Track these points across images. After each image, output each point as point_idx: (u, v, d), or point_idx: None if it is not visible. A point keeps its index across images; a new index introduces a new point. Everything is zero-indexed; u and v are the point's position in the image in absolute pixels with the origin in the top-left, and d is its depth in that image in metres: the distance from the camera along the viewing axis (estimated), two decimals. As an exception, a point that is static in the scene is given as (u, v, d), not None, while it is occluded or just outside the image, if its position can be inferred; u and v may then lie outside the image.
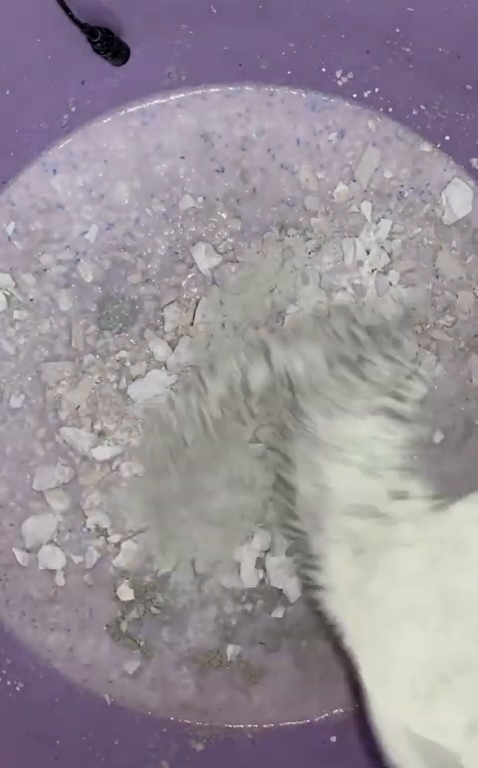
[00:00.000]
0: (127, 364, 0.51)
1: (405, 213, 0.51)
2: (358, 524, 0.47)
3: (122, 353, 0.51)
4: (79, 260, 0.51)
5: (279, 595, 0.52)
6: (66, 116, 0.50)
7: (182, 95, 0.50)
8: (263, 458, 0.51)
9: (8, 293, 0.51)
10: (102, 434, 0.51)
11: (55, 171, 0.51)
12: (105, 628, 0.52)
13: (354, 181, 0.51)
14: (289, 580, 0.51)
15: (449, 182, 0.51)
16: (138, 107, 0.50)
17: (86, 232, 0.51)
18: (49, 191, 0.51)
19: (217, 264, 0.51)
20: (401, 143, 0.51)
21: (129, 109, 0.50)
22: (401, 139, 0.51)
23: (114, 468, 0.51)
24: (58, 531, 0.52)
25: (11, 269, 0.51)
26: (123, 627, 0.52)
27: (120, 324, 0.51)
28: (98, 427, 0.51)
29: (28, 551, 0.52)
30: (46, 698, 0.51)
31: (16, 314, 0.51)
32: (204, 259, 0.51)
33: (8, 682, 0.51)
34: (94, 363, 0.51)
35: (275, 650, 0.52)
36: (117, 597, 0.52)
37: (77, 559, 0.52)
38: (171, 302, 0.51)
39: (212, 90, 0.50)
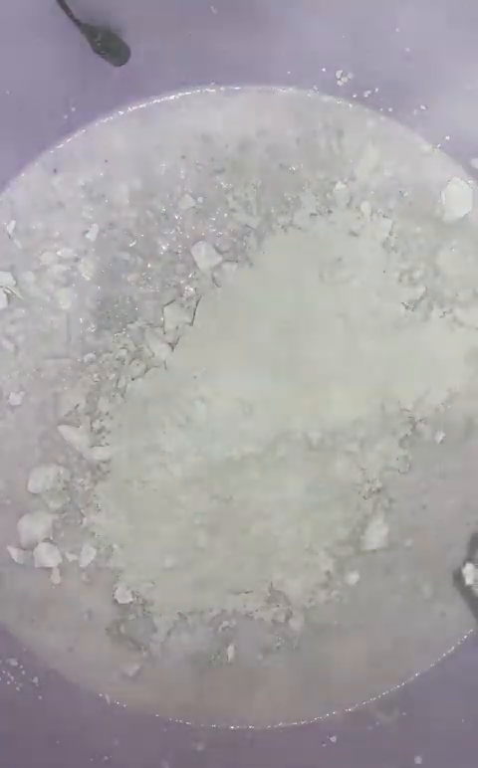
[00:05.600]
0: (127, 363, 0.51)
1: (405, 212, 0.51)
2: None
3: (122, 352, 0.51)
4: (79, 258, 0.51)
5: (279, 596, 0.52)
6: (66, 116, 0.50)
7: (182, 94, 0.50)
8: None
9: (8, 292, 0.51)
10: (100, 433, 0.51)
11: (55, 171, 0.51)
12: (104, 630, 0.52)
13: (353, 180, 0.50)
14: (290, 581, 0.51)
15: (449, 181, 0.50)
16: (138, 107, 0.50)
17: (86, 231, 0.51)
18: (49, 190, 0.51)
19: (217, 263, 0.51)
20: (401, 143, 0.51)
21: (130, 109, 0.50)
22: (401, 139, 0.51)
23: (110, 467, 0.51)
24: (53, 529, 0.52)
25: (11, 267, 0.51)
26: (123, 629, 0.52)
27: (120, 323, 0.51)
28: (96, 426, 0.51)
29: (23, 549, 0.52)
30: (46, 698, 0.51)
31: (16, 312, 0.51)
32: (204, 259, 0.51)
33: (8, 683, 0.51)
34: (93, 362, 0.51)
35: (275, 651, 0.52)
36: (115, 600, 0.52)
37: (72, 557, 0.52)
38: (171, 302, 0.51)
39: (212, 90, 0.50)
